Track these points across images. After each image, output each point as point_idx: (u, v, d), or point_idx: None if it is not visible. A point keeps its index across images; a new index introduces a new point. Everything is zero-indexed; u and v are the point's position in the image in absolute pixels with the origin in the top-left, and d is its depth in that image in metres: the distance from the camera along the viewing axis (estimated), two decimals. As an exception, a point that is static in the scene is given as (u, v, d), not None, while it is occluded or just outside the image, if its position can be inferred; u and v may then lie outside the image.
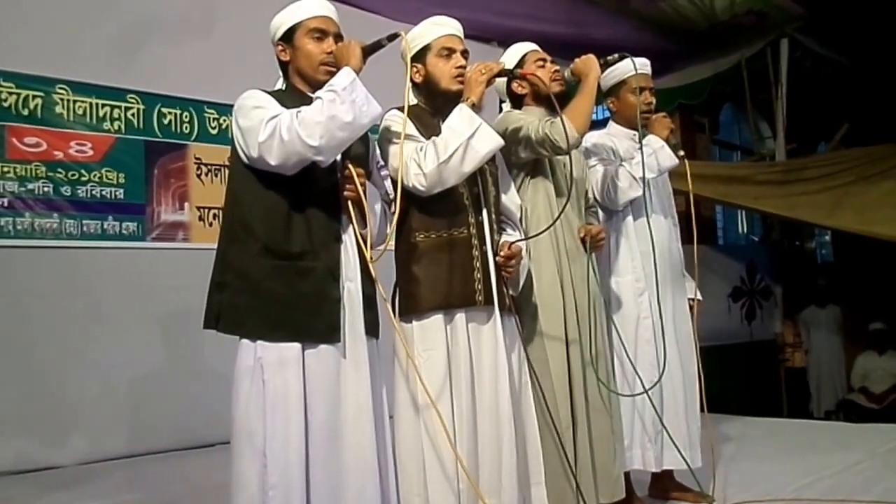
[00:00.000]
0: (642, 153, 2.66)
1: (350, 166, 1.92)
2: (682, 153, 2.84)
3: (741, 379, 6.64)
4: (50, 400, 3.66)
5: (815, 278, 7.95)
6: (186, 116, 4.23)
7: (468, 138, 2.04)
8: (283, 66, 2.03)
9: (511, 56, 2.60)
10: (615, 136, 2.90)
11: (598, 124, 3.05)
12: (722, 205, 7.60)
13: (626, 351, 2.67)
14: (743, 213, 8.57)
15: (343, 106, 1.78)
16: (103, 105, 3.96)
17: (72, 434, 3.70)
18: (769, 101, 6.94)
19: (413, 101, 2.23)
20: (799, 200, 6.12)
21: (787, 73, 6.66)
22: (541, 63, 2.54)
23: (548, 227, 2.35)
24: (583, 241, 2.54)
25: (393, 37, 1.96)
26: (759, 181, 6.38)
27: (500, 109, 2.70)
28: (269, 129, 1.79)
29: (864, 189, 5.91)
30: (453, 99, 2.15)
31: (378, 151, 2.18)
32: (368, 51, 1.93)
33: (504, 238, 2.25)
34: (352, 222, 1.94)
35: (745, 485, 2.98)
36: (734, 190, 6.29)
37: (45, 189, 3.77)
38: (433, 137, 2.10)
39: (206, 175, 4.25)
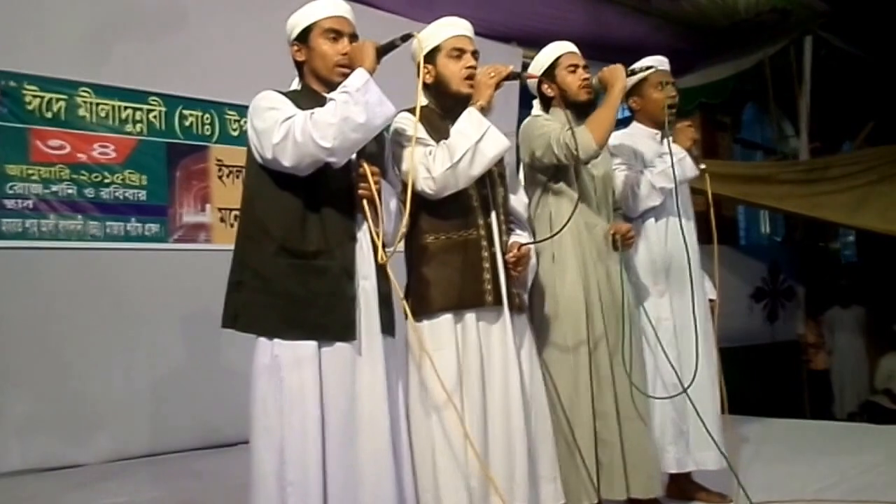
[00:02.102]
0: (670, 150, 2.64)
1: (364, 165, 1.94)
2: (703, 166, 2.82)
3: (763, 380, 6.58)
4: (74, 399, 3.72)
5: (838, 279, 7.85)
6: (208, 118, 4.29)
7: (476, 142, 2.06)
8: (299, 66, 2.04)
9: (546, 55, 2.61)
10: (637, 136, 2.88)
11: (619, 123, 3.05)
12: (744, 205, 7.55)
13: (664, 351, 2.66)
14: (765, 214, 8.50)
15: (356, 107, 1.79)
16: (126, 107, 4.02)
17: (96, 433, 3.76)
18: (793, 100, 6.86)
19: (424, 101, 2.24)
20: (822, 200, 6.06)
21: (811, 71, 6.58)
22: (572, 68, 2.55)
23: (556, 234, 2.36)
24: (613, 239, 2.54)
25: (406, 37, 1.97)
26: (781, 180, 6.32)
27: (520, 105, 2.71)
28: (283, 130, 1.80)
29: (889, 188, 5.84)
30: (463, 100, 2.16)
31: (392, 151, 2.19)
32: (382, 51, 1.94)
33: (513, 238, 2.26)
34: (367, 221, 1.95)
35: (765, 485, 2.95)
36: (756, 190, 6.25)
37: (69, 191, 3.83)
38: (442, 141, 2.11)
39: (228, 176, 4.30)
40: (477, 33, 2.28)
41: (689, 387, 2.58)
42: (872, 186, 5.97)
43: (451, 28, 2.21)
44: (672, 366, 2.63)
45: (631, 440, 2.43)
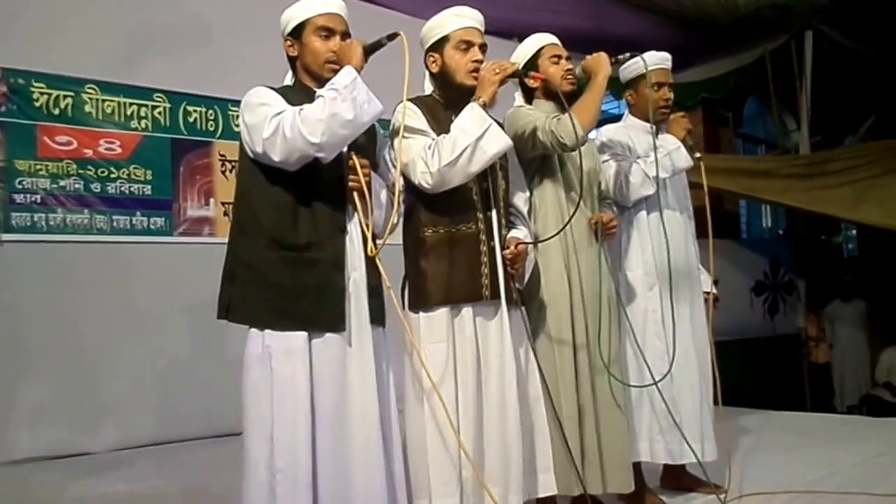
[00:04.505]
0: (655, 151, 2.65)
1: (354, 157, 1.96)
2: (698, 155, 2.82)
3: (764, 373, 6.59)
4: (82, 389, 3.78)
5: (840, 273, 7.82)
6: (211, 114, 4.34)
7: (477, 139, 2.05)
8: (292, 61, 2.06)
9: (528, 47, 2.57)
10: (632, 128, 2.88)
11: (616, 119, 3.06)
12: (745, 199, 7.52)
13: (637, 343, 2.67)
14: (767, 208, 8.46)
15: (344, 104, 1.82)
16: (131, 104, 4.08)
17: (103, 422, 3.83)
18: (794, 95, 6.83)
19: (428, 90, 2.28)
20: (822, 194, 6.02)
21: (812, 66, 6.55)
22: (555, 59, 2.52)
23: (559, 231, 2.35)
24: (595, 228, 2.52)
25: (392, 36, 1.97)
26: (781, 175, 6.27)
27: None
28: (273, 126, 1.83)
29: (889, 182, 5.79)
30: (467, 93, 2.15)
31: (388, 144, 2.19)
32: (369, 50, 1.96)
33: (513, 233, 2.26)
34: (357, 213, 1.98)
35: (760, 477, 2.97)
36: (757, 184, 6.21)
37: (76, 186, 3.89)
38: (442, 135, 2.11)
39: (231, 171, 4.32)
40: (479, 30, 2.27)
41: (660, 380, 2.58)
42: (873, 180, 5.91)
43: (461, 19, 2.21)
44: (644, 359, 2.63)
45: (608, 435, 2.43)
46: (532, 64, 2.53)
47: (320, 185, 1.94)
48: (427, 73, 2.28)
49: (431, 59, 2.23)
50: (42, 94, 3.83)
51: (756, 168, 6.58)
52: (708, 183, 2.83)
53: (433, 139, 2.12)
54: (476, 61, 2.17)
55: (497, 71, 2.14)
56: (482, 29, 2.24)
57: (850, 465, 3.21)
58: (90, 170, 3.94)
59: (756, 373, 6.33)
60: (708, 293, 2.95)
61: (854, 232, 8.79)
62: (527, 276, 2.31)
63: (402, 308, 2.15)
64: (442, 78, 2.23)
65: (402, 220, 2.22)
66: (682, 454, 2.70)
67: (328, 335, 1.92)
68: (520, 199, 2.36)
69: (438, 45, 2.21)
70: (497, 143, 2.09)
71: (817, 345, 7.54)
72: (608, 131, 2.88)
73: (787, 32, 6.39)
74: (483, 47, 2.20)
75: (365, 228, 1.97)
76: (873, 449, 3.46)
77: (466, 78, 2.17)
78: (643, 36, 5.23)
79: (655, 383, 2.58)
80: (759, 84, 6.75)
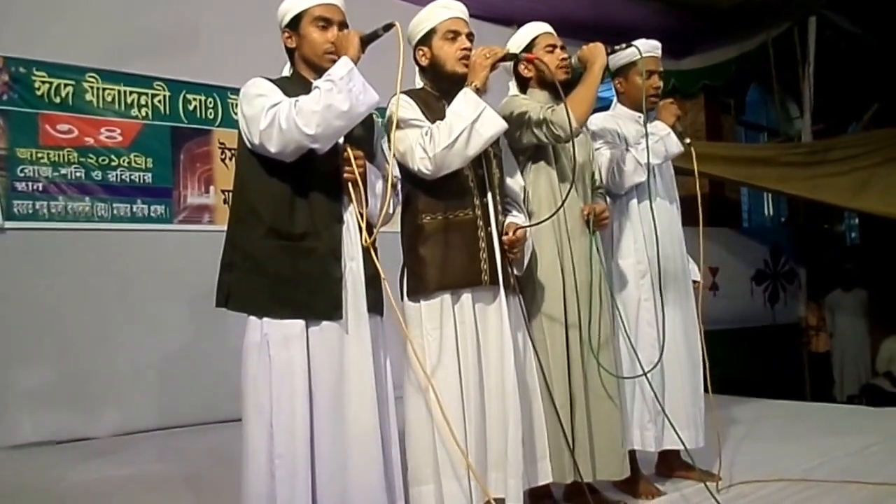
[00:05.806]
0: (647, 138, 2.65)
1: (349, 149, 1.97)
2: (688, 141, 2.82)
3: (764, 362, 6.59)
4: (84, 375, 3.83)
5: (841, 261, 7.79)
6: (210, 102, 4.37)
7: (472, 122, 2.07)
8: (290, 52, 2.07)
9: (522, 36, 2.58)
10: (620, 117, 2.88)
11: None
12: (745, 187, 7.49)
13: (626, 332, 2.68)
14: (769, 196, 8.43)
15: (340, 95, 1.83)
16: (131, 92, 4.11)
17: (105, 408, 3.88)
18: (796, 81, 6.78)
19: (420, 83, 2.29)
20: (823, 182, 5.98)
21: (816, 52, 6.49)
22: (550, 48, 2.52)
23: (552, 215, 2.37)
24: (587, 219, 2.52)
25: (388, 27, 1.98)
26: (782, 163, 6.23)
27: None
28: (269, 117, 1.84)
29: (891, 170, 5.74)
30: (459, 82, 2.17)
31: (385, 135, 2.20)
32: (366, 40, 1.97)
33: (509, 219, 2.28)
34: (352, 203, 1.99)
35: (753, 465, 2.98)
36: (757, 172, 6.18)
37: (77, 174, 3.93)
38: (438, 122, 2.13)
39: (230, 159, 4.34)
40: (478, 16, 2.31)
41: (651, 370, 2.58)
42: (875, 169, 5.86)
43: (446, 10, 2.23)
44: (634, 349, 2.64)
45: (599, 423, 2.44)
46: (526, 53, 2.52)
47: (317, 176, 1.96)
48: (417, 68, 2.30)
49: (420, 52, 2.25)
50: (43, 82, 3.86)
51: (756, 156, 6.53)
52: (708, 171, 2.83)
53: (429, 127, 2.13)
54: (465, 49, 2.19)
55: (488, 55, 2.16)
56: (467, 19, 2.26)
57: (844, 454, 3.21)
58: (91, 158, 3.97)
59: (756, 362, 6.32)
60: (696, 282, 2.96)
61: (856, 220, 8.74)
62: (525, 261, 2.33)
63: (400, 297, 2.17)
64: (432, 70, 2.25)
65: (399, 209, 2.24)
66: (669, 441, 2.72)
67: (325, 323, 1.94)
68: (515, 186, 2.38)
69: (426, 39, 2.23)
70: (492, 125, 2.11)
71: (817, 334, 7.50)
72: (597, 120, 2.87)
73: (789, 18, 6.33)
74: (470, 36, 2.23)
75: (360, 218, 1.98)
76: (869, 439, 3.46)
77: (457, 66, 2.19)
78: (643, 23, 5.21)
79: (646, 374, 2.59)
80: (762, 71, 6.68)
